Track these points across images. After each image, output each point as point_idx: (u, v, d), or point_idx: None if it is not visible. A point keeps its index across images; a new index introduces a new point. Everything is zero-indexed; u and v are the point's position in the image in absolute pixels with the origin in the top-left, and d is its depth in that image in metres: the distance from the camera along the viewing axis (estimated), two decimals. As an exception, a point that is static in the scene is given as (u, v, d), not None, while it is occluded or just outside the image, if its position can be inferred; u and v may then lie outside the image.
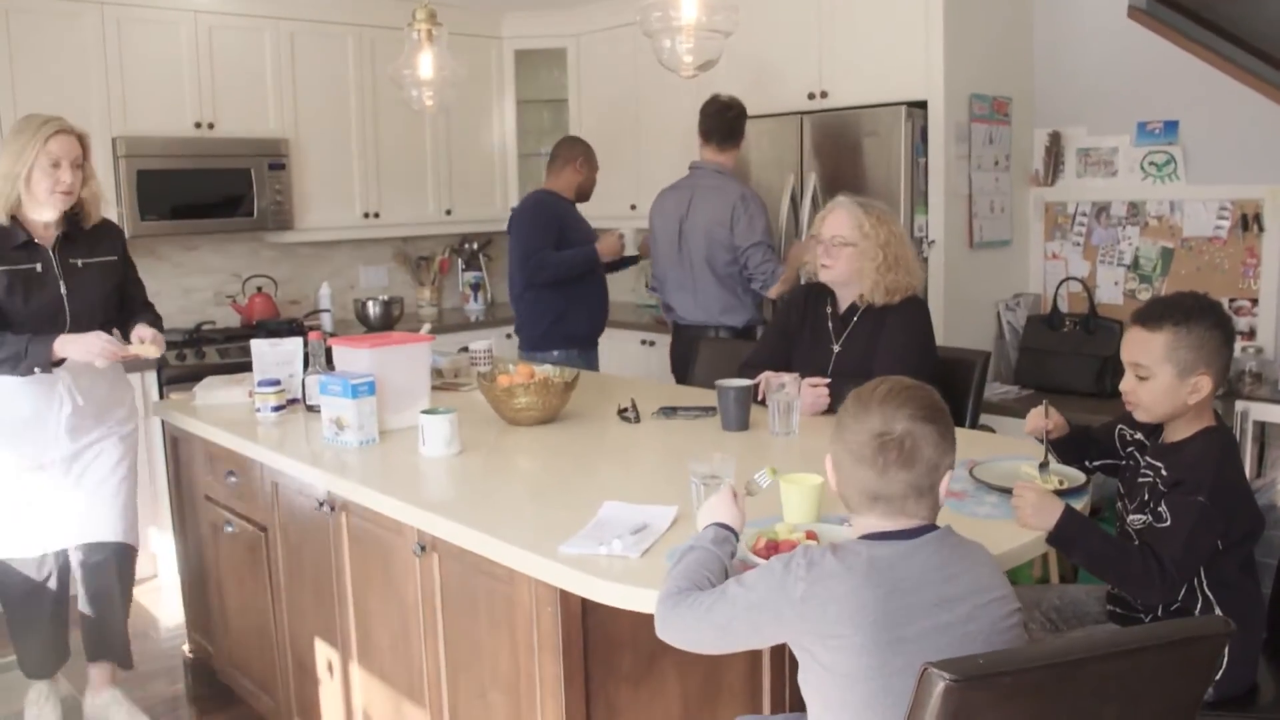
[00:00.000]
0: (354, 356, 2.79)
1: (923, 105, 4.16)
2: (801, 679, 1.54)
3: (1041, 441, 2.29)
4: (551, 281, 4.22)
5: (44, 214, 2.88)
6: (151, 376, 4.35)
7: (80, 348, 2.83)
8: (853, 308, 3.05)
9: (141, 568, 4.40)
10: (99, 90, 4.40)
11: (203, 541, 3.25)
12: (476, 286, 5.88)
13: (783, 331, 3.20)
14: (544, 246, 4.17)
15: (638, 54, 5.09)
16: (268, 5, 4.84)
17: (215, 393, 3.24)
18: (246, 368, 3.27)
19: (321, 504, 2.53)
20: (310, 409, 3.00)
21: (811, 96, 4.45)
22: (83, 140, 2.92)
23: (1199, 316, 1.99)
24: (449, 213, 5.60)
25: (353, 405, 2.62)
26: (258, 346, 3.15)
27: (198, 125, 4.66)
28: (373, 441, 2.66)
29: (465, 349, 3.68)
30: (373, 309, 5.20)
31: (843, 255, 2.96)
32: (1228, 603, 2.00)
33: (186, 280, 5.04)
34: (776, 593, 1.48)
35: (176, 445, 3.32)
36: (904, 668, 1.26)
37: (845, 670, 1.44)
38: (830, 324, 3.09)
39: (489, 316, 5.70)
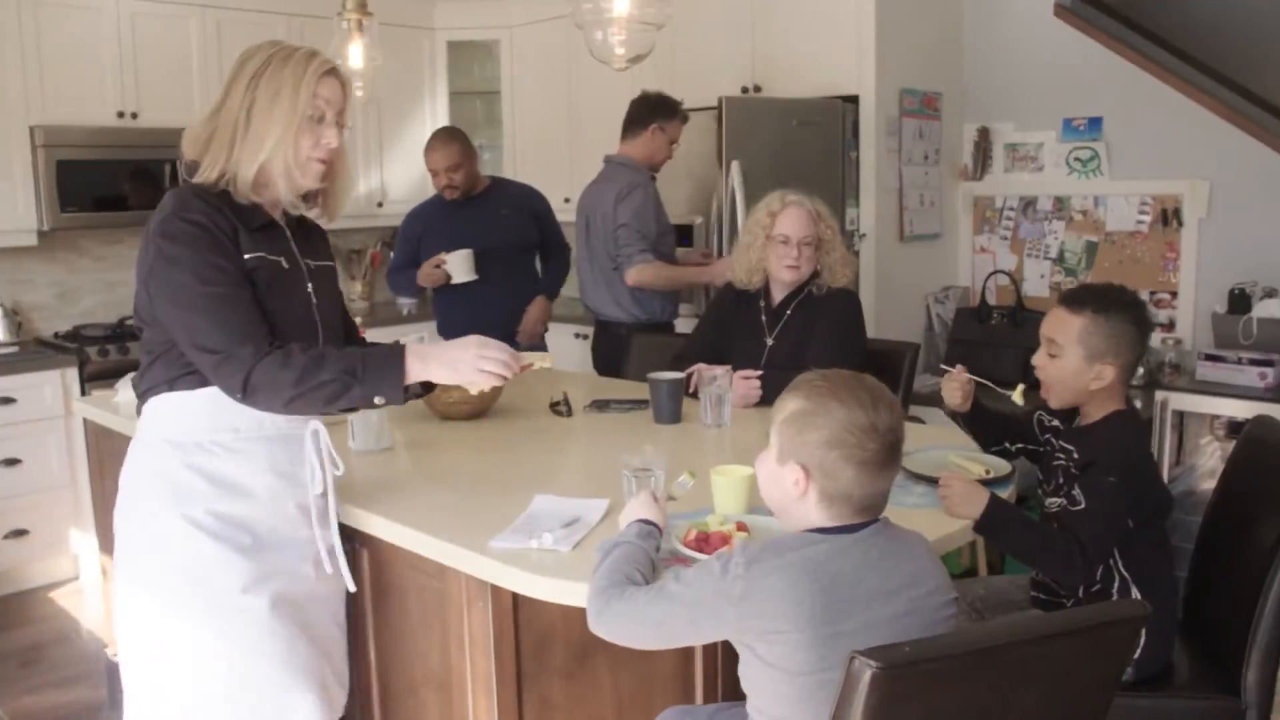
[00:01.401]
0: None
1: (854, 99, 4.20)
2: (741, 672, 1.54)
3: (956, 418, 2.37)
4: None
5: (283, 188, 1.95)
6: (73, 373, 4.24)
7: (453, 362, 1.91)
8: (786, 301, 3.08)
9: (62, 569, 4.33)
10: (15, 77, 4.26)
11: (127, 541, 3.17)
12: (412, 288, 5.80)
13: (716, 324, 3.22)
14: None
15: (571, 46, 5.07)
16: (192, -8, 4.73)
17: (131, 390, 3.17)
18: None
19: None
20: (237, 405, 2.94)
21: (745, 91, 4.47)
22: (345, 87, 2.03)
23: (1119, 310, 2.06)
24: (380, 205, 5.54)
25: (281, 401, 2.57)
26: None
27: (120, 115, 4.54)
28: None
29: (399, 343, 3.64)
30: (303, 303, 5.13)
31: (806, 255, 2.99)
32: (1144, 583, 2.05)
33: (110, 274, 4.91)
34: (715, 591, 1.47)
35: (98, 443, 3.24)
36: (842, 661, 1.27)
37: (785, 665, 1.45)
38: (763, 317, 3.11)
39: (422, 310, 5.63)
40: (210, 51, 4.80)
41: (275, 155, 1.89)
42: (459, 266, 3.94)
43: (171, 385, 1.92)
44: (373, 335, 3.95)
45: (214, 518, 1.90)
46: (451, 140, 3.99)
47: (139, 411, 2.00)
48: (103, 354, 4.35)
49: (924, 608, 1.48)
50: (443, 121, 5.70)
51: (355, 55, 3.64)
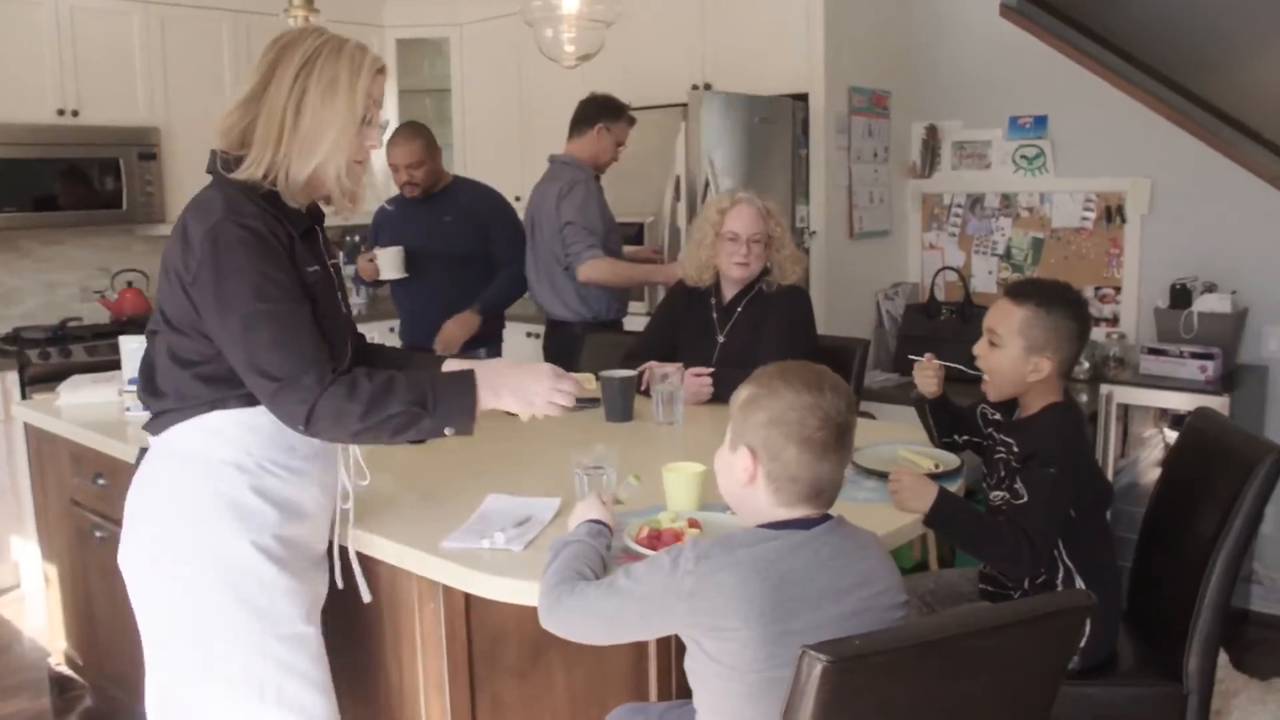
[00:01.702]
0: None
1: (804, 98, 4.23)
2: (688, 667, 1.54)
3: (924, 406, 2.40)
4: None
5: (335, 192, 1.84)
6: (13, 376, 4.15)
7: (527, 394, 1.85)
8: (737, 298, 3.09)
9: (3, 577, 4.24)
10: (-49, 75, 4.18)
11: (69, 548, 3.11)
12: (359, 281, 5.74)
13: (667, 322, 3.22)
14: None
15: (522, 44, 5.04)
16: (134, -12, 4.65)
17: (81, 392, 3.10)
18: (116, 366, 3.14)
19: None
20: (184, 407, 2.90)
21: (695, 88, 4.48)
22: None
23: (1061, 305, 2.09)
24: (328, 203, 5.47)
25: (227, 402, 2.53)
26: (127, 344, 3.02)
27: (60, 112, 4.45)
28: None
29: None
30: (251, 303, 5.06)
31: (755, 252, 3.00)
32: (1088, 573, 2.09)
33: (50, 275, 4.81)
34: (665, 586, 1.47)
35: (40, 448, 3.17)
36: (790, 660, 1.27)
37: (732, 663, 1.45)
38: (714, 315, 3.12)
39: (373, 310, 5.59)
40: (153, 48, 4.72)
41: (332, 157, 1.78)
42: (388, 263, 3.93)
43: (221, 403, 1.78)
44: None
45: (279, 543, 1.80)
46: (415, 136, 3.94)
47: (155, 426, 1.84)
48: (44, 357, 4.27)
49: (874, 608, 1.48)
50: (393, 120, 5.65)
51: (302, 52, 3.59)
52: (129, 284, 4.91)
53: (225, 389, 1.77)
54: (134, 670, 2.86)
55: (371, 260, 3.97)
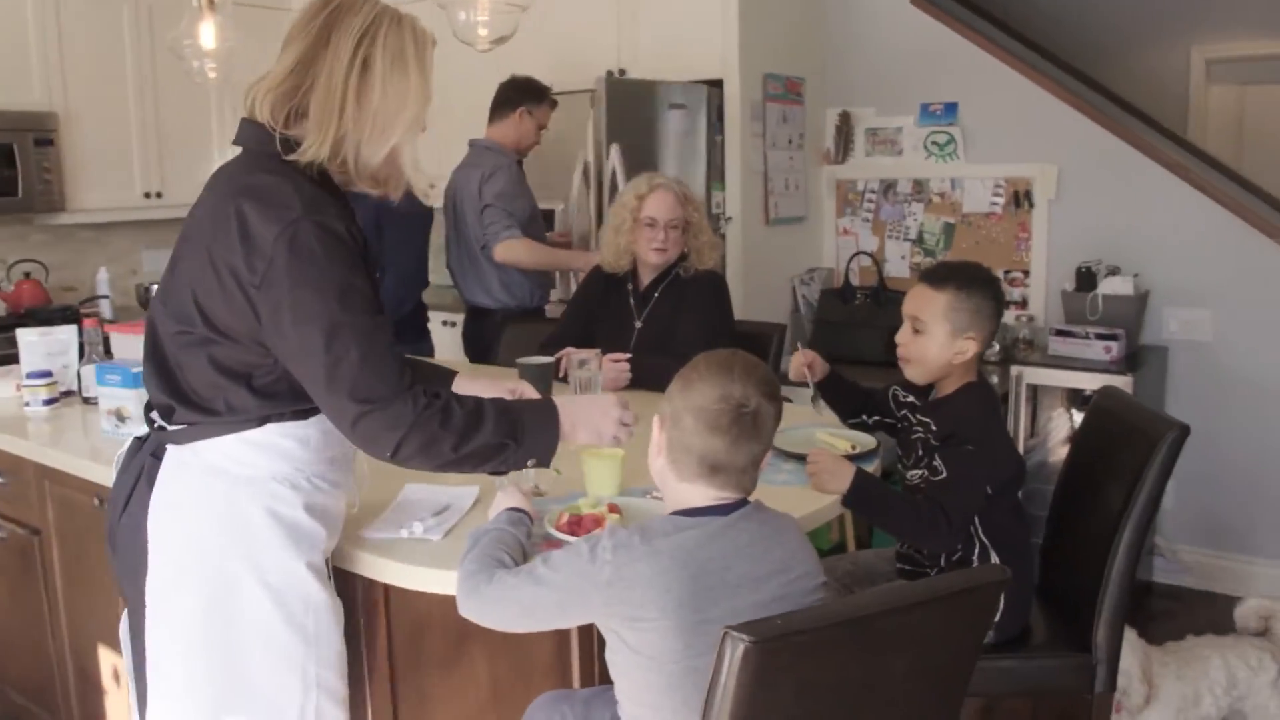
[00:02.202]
0: (136, 344, 2.60)
1: (718, 84, 4.24)
2: (609, 659, 1.54)
3: (807, 385, 2.40)
4: None
5: (412, 179, 1.76)
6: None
7: (598, 428, 1.77)
8: (654, 284, 3.09)
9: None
10: None
11: (-33, 548, 2.99)
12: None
13: (584, 308, 3.21)
14: None
15: (433, 27, 4.95)
16: (27, -33, 4.46)
17: (-23, 387, 2.98)
18: (13, 360, 3.02)
19: (102, 501, 2.37)
20: (87, 401, 2.81)
21: (610, 75, 4.46)
22: None
23: (980, 285, 2.13)
24: (239, 192, 5.34)
25: (134, 395, 2.46)
26: (25, 336, 2.91)
27: (-51, 96, 4.27)
28: (157, 433, 2.50)
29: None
30: (157, 294, 4.90)
31: (674, 237, 3.00)
32: (1002, 549, 2.14)
33: (-56, 265, 4.63)
34: (583, 576, 1.46)
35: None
36: (709, 649, 1.27)
37: (652, 652, 1.45)
38: (632, 300, 3.12)
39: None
40: (49, 29, 4.54)
41: (409, 137, 1.65)
42: None
43: (274, 417, 1.64)
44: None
45: (324, 561, 1.71)
46: None
47: (184, 436, 1.66)
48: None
49: (793, 593, 1.48)
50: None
51: (207, 35, 3.50)
52: (26, 275, 4.73)
53: (280, 403, 1.63)
54: (37, 675, 2.77)
55: None
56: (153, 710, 1.73)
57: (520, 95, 3.89)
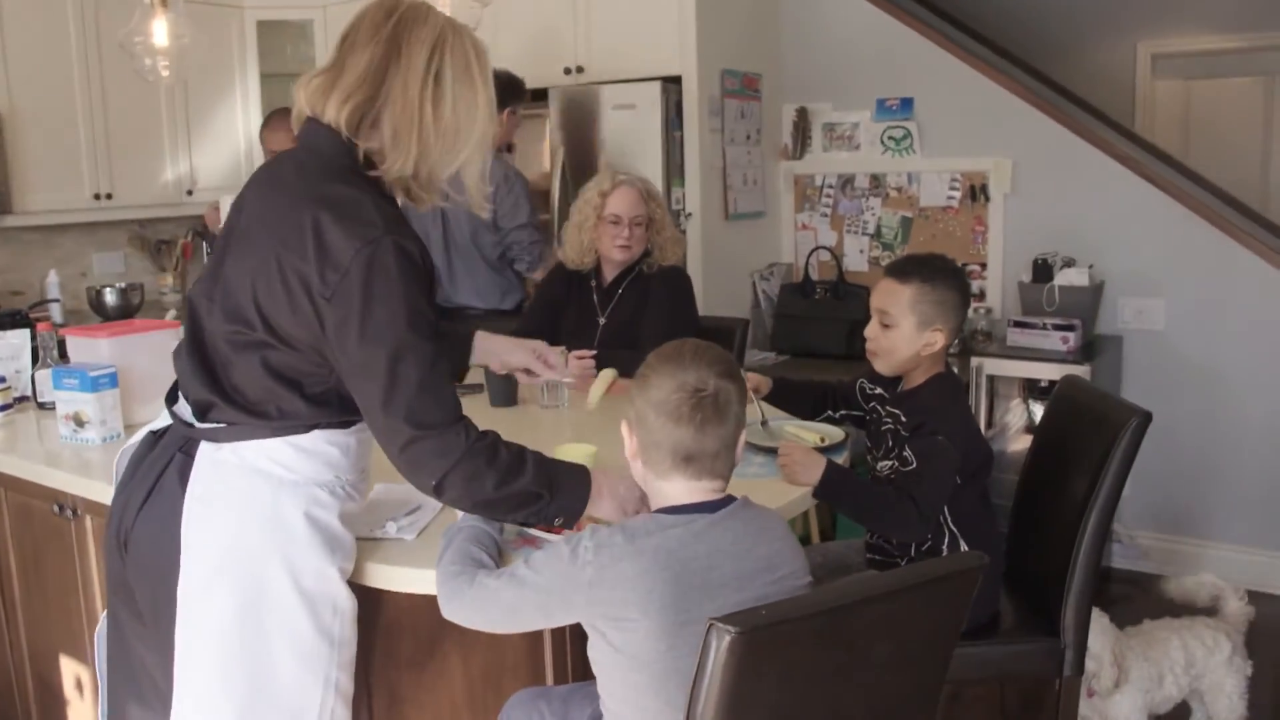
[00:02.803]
0: (91, 347, 2.57)
1: (677, 80, 4.24)
2: (592, 656, 1.53)
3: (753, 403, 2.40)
4: None
5: (476, 199, 1.72)
6: None
7: (623, 501, 1.71)
8: (617, 280, 3.09)
9: None
10: None
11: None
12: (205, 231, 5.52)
13: (548, 305, 3.21)
14: None
15: (390, 26, 4.93)
16: (-32, -37, 4.36)
17: (-74, 393, 2.91)
18: (-38, 364, 2.96)
19: (61, 508, 2.33)
20: (43, 406, 2.75)
21: (568, 71, 4.45)
22: None
23: (944, 277, 2.16)
24: (190, 193, 5.26)
25: (93, 399, 2.42)
26: (-25, 340, 2.85)
27: (-110, 96, 4.16)
28: (118, 437, 2.46)
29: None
30: (110, 298, 4.82)
31: (638, 234, 3.00)
32: (971, 538, 2.17)
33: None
34: (565, 577, 1.45)
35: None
36: (693, 650, 1.27)
37: (634, 652, 1.44)
38: (595, 297, 3.12)
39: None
40: (-8, 28, 4.44)
41: (477, 153, 1.63)
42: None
43: (322, 425, 1.62)
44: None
45: (350, 567, 1.70)
46: (282, 119, 3.81)
47: (227, 435, 1.62)
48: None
49: (778, 592, 1.47)
50: (254, 104, 5.46)
51: (160, 33, 3.45)
52: (-27, 279, 4.63)
53: (329, 412, 1.62)
54: (-3, 685, 2.72)
55: (218, 209, 3.77)
56: (178, 711, 1.68)
57: (505, 94, 3.88)
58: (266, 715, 1.64)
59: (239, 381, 1.62)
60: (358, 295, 1.50)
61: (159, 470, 1.69)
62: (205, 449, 1.65)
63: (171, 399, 1.74)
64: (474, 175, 1.66)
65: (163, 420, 1.76)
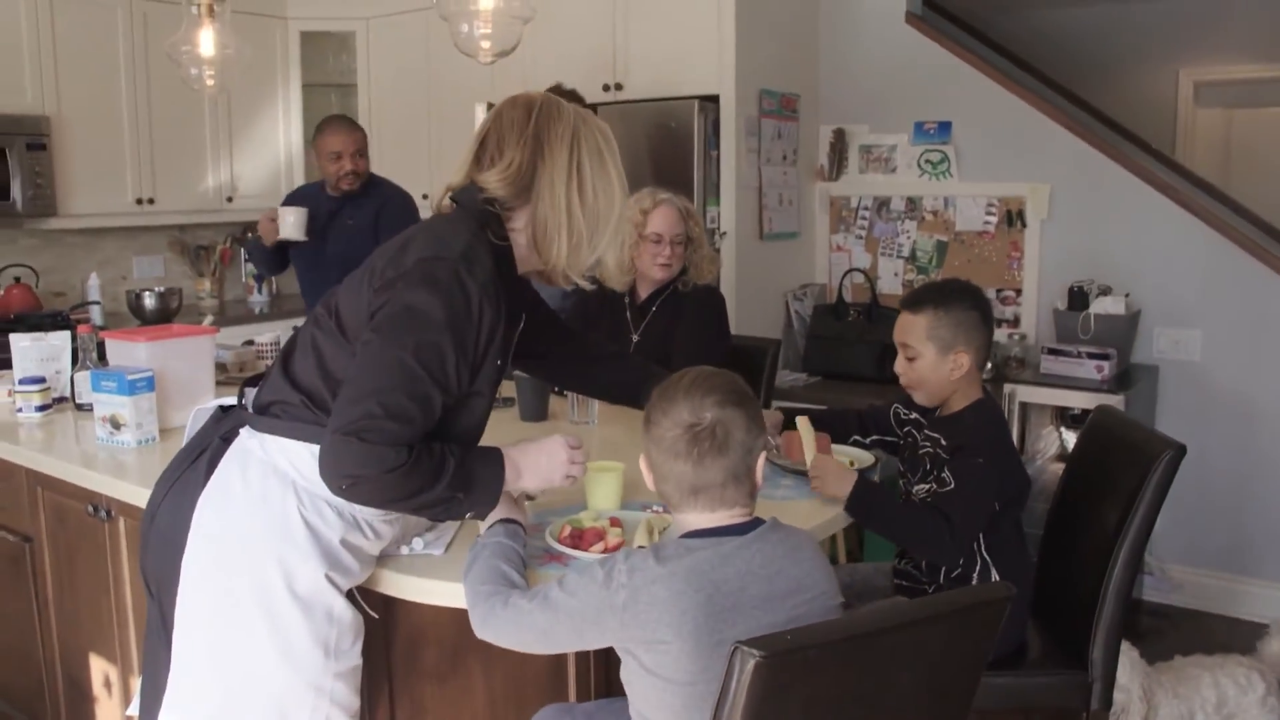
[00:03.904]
0: (130, 351, 2.61)
1: (714, 99, 4.26)
2: (624, 677, 1.53)
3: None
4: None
5: (614, 279, 1.94)
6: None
7: (545, 472, 1.74)
8: (651, 297, 3.09)
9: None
10: None
11: (-44, 555, 2.97)
12: (260, 278, 5.61)
13: (582, 320, 3.21)
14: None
15: (430, 39, 4.99)
16: (22, -30, 4.45)
17: (-33, 392, 2.96)
18: (2, 365, 3.01)
19: (95, 509, 2.36)
20: (81, 408, 2.79)
21: (606, 88, 4.48)
22: None
23: (955, 299, 2.16)
24: (230, 200, 5.33)
25: (130, 402, 2.45)
26: (18, 341, 2.89)
27: (-59, 99, 4.25)
28: (153, 441, 2.49)
29: (250, 342, 3.51)
30: (149, 301, 4.88)
31: (677, 253, 3.01)
32: (1003, 566, 2.15)
33: (-67, 268, 4.59)
34: (598, 599, 1.46)
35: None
36: (725, 671, 1.28)
37: (667, 674, 1.44)
38: (629, 313, 3.12)
39: (274, 309, 5.45)
40: (43, 33, 4.52)
41: (616, 238, 1.74)
42: (291, 224, 3.74)
43: None
44: (225, 335, 3.80)
45: (348, 584, 1.73)
46: (355, 125, 3.86)
47: (263, 425, 1.67)
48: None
49: (809, 614, 1.47)
50: (296, 114, 5.53)
51: (206, 43, 3.50)
52: (16, 280, 4.70)
53: None
54: (25, 682, 2.75)
55: (274, 220, 3.76)
56: (171, 688, 1.73)
57: None
58: (251, 706, 1.67)
59: (298, 365, 1.69)
60: (402, 293, 1.55)
61: (197, 453, 1.75)
62: (242, 438, 1.71)
63: (252, 383, 1.80)
64: (614, 257, 1.71)
65: (234, 398, 1.83)
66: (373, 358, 1.55)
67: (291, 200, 3.98)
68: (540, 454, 1.74)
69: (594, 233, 1.70)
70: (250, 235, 4.14)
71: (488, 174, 1.68)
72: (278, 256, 3.95)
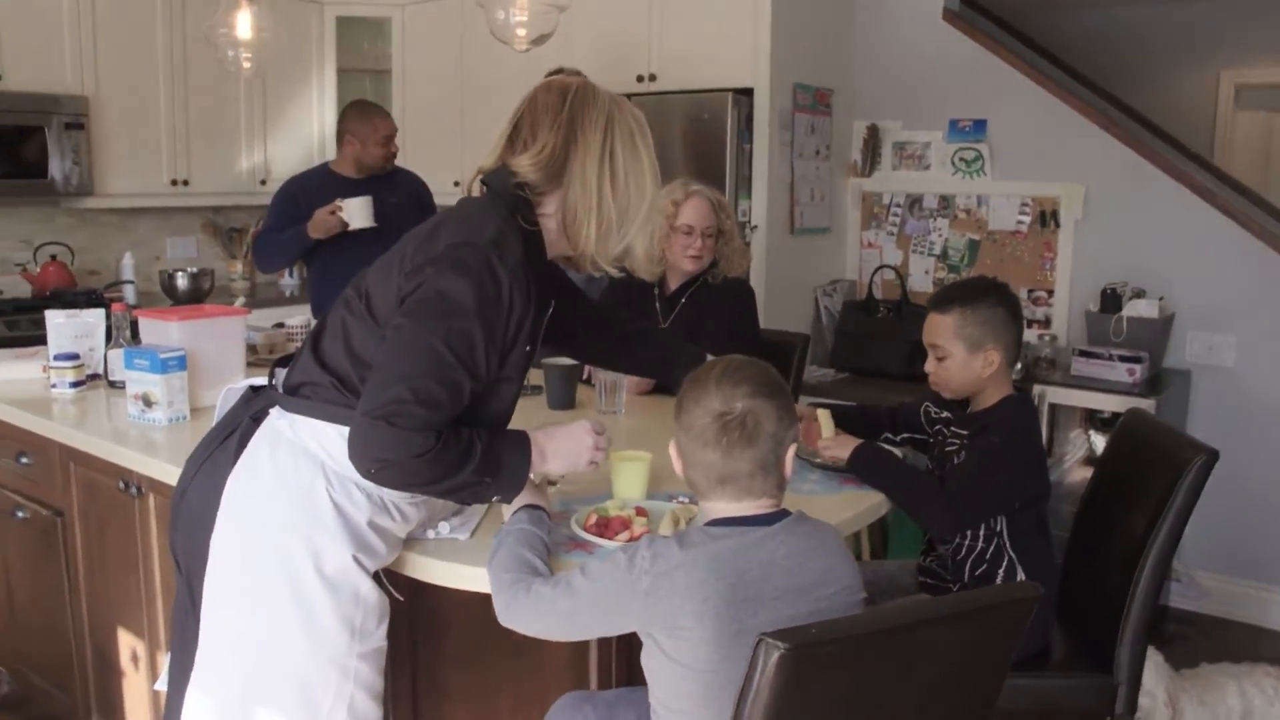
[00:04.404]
0: (163, 329, 2.63)
1: (748, 92, 4.24)
2: (645, 664, 1.53)
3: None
4: (276, 266, 4.26)
5: (642, 266, 1.94)
6: (-72, 349, 3.99)
7: (570, 456, 1.76)
8: (681, 289, 3.09)
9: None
10: None
11: (-12, 527, 3.01)
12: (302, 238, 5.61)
13: (611, 311, 3.21)
14: (271, 227, 3.97)
15: (465, 26, 5.00)
16: (64, -49, 4.49)
17: (3, 367, 3.00)
18: (38, 341, 3.04)
19: (126, 485, 2.38)
20: (113, 385, 2.82)
21: (640, 79, 4.47)
22: None
23: (982, 296, 2.15)
24: (263, 183, 5.36)
25: (161, 380, 2.47)
26: (53, 318, 2.92)
27: (-16, 78, 4.29)
28: (183, 419, 2.52)
29: (281, 325, 3.53)
30: (181, 281, 4.92)
31: (708, 244, 3.01)
32: (1029, 565, 2.14)
33: (-24, 244, 4.65)
34: (622, 585, 1.46)
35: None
36: (746, 660, 1.27)
37: (688, 661, 1.44)
38: (658, 304, 3.12)
39: (305, 292, 5.48)
40: (83, 13, 4.56)
41: (647, 226, 1.76)
42: (357, 212, 3.75)
43: None
44: (256, 317, 3.83)
45: (375, 566, 1.73)
46: (387, 111, 3.98)
47: (293, 405, 1.69)
48: (-34, 330, 4.11)
49: (832, 608, 1.47)
50: (330, 98, 5.56)
51: (243, 25, 3.52)
52: (53, 257, 4.75)
53: None
54: (54, 654, 2.78)
55: (334, 213, 3.77)
56: (199, 664, 1.75)
57: None
58: (275, 684, 1.68)
59: (327, 345, 1.70)
60: (431, 278, 1.56)
61: (227, 432, 1.77)
62: (271, 418, 1.72)
63: (283, 364, 1.81)
64: (642, 245, 1.71)
65: (264, 378, 1.84)
66: (403, 342, 1.56)
67: (300, 187, 4.01)
68: (567, 439, 1.76)
69: (624, 220, 1.70)
70: (264, 230, 4.04)
71: (520, 158, 1.68)
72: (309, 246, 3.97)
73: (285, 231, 3.92)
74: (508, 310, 1.59)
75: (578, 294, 2.16)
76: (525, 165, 1.68)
